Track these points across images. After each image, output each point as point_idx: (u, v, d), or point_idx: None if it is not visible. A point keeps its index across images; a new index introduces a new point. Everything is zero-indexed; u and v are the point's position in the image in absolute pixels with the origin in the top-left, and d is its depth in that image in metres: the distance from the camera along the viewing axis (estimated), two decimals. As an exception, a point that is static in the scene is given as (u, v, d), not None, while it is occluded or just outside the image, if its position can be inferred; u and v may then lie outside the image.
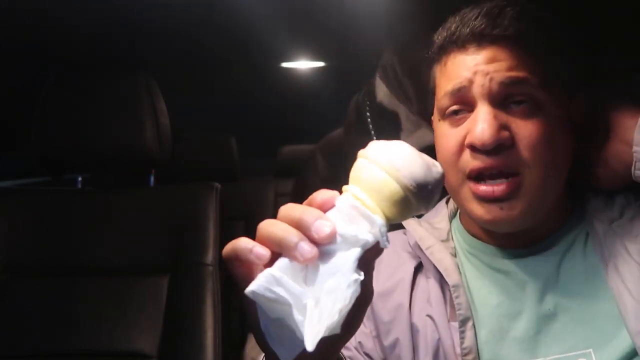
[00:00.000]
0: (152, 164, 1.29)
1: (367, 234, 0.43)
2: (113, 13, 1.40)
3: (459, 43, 0.67)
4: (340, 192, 0.46)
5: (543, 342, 0.66)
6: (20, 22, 1.39)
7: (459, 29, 0.67)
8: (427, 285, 0.72)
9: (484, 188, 0.64)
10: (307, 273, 0.43)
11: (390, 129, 1.20)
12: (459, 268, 0.73)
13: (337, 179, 0.49)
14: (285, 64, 2.13)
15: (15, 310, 1.14)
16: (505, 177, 0.64)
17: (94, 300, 1.15)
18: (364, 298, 0.44)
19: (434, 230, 0.77)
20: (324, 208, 0.44)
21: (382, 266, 0.75)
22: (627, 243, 0.66)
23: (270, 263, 0.43)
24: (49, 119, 1.23)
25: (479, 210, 0.66)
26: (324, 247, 0.42)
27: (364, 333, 0.72)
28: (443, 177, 0.46)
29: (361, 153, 0.46)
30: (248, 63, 2.03)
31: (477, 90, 0.64)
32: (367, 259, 0.44)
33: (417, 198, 0.44)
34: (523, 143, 0.63)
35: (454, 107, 0.66)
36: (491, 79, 0.63)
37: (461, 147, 0.66)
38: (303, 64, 2.14)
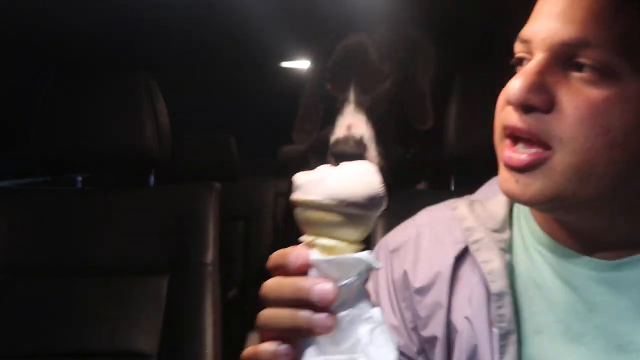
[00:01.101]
0: (152, 164, 1.29)
1: (360, 272, 0.42)
2: (113, 13, 1.40)
3: None
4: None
5: None
6: (20, 22, 1.39)
7: None
8: (471, 280, 0.61)
9: (507, 154, 0.55)
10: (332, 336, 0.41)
11: None
12: (512, 267, 0.61)
13: None
14: (285, 64, 2.13)
15: (15, 310, 1.14)
16: (535, 146, 0.53)
17: (94, 300, 1.15)
18: None
19: (487, 216, 0.65)
20: (304, 271, 0.41)
21: (421, 255, 0.66)
22: None
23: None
24: (49, 119, 1.23)
25: (500, 176, 0.57)
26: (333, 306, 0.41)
27: (395, 327, 0.65)
28: (379, 173, 0.43)
29: (297, 199, 0.42)
30: (248, 63, 2.03)
31: (537, 43, 0.54)
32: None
33: (373, 210, 0.42)
34: (565, 113, 0.51)
35: (520, 55, 0.57)
36: (554, 35, 0.52)
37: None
38: (303, 64, 2.14)
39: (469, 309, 0.60)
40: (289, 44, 1.82)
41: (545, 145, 0.53)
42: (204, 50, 1.84)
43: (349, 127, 1.11)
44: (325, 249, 0.42)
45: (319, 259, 0.41)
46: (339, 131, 1.11)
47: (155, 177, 1.38)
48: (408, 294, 0.65)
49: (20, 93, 1.70)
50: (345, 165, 0.43)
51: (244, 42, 1.73)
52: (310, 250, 0.42)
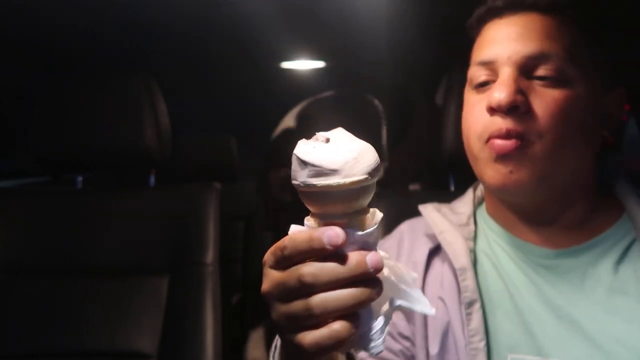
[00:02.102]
0: (152, 164, 1.29)
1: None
2: (113, 13, 1.40)
3: (496, 12, 0.70)
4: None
5: (551, 343, 0.65)
6: (21, 22, 1.39)
7: (496, 0, 0.70)
8: (442, 268, 0.73)
9: (497, 142, 0.65)
10: None
11: None
12: (474, 253, 0.74)
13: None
14: (285, 64, 2.13)
15: (14, 310, 1.14)
16: (516, 139, 0.64)
17: (94, 300, 1.15)
18: None
19: (453, 215, 0.78)
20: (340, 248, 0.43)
21: (402, 250, 0.78)
22: None
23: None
24: (49, 119, 1.23)
25: (490, 172, 0.67)
26: None
27: (395, 314, 0.73)
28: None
29: (331, 184, 0.43)
30: (248, 63, 2.03)
31: (502, 60, 0.66)
32: None
33: (372, 179, 0.44)
34: (539, 112, 0.64)
35: (483, 78, 0.69)
36: (517, 52, 0.65)
37: (484, 113, 0.67)
38: (303, 64, 2.14)
39: (442, 291, 0.71)
40: (289, 44, 1.82)
41: (526, 140, 0.64)
42: (205, 50, 1.85)
43: None
44: (354, 221, 0.44)
45: (360, 233, 0.43)
46: None
47: (155, 177, 1.38)
48: None
49: (20, 93, 1.70)
50: (335, 140, 0.43)
51: (244, 43, 1.73)
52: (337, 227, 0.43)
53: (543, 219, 0.70)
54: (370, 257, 0.42)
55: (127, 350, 1.10)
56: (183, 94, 2.01)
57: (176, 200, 1.25)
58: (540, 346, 0.65)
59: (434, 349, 0.69)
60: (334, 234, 0.42)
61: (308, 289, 0.42)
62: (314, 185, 0.42)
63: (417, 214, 0.83)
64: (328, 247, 0.42)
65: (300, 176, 0.43)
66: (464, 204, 0.81)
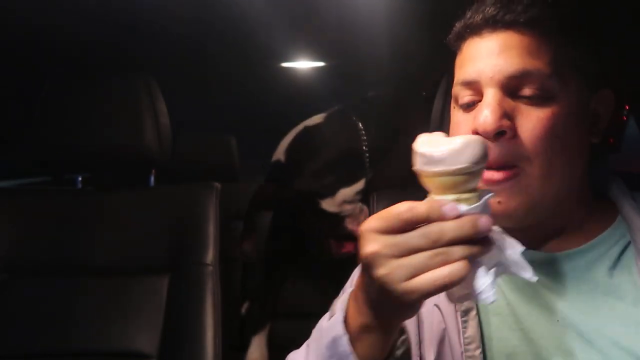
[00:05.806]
0: (152, 164, 1.29)
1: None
2: (113, 13, 1.40)
3: (474, 29, 0.68)
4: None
5: (549, 348, 0.65)
6: (21, 22, 1.39)
7: (474, 16, 0.68)
8: None
9: (485, 173, 0.63)
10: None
11: None
12: None
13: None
14: (285, 64, 2.13)
15: (15, 310, 1.14)
16: (505, 169, 0.64)
17: (94, 300, 1.15)
18: None
19: None
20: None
21: None
22: None
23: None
24: (49, 119, 1.23)
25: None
26: None
27: None
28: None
29: (444, 170, 0.52)
30: (248, 63, 2.03)
31: (485, 80, 0.65)
32: None
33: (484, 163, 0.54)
34: (525, 135, 0.63)
35: (467, 98, 0.67)
36: (500, 71, 0.64)
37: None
38: (303, 64, 2.14)
39: (437, 298, 0.68)
40: (289, 44, 1.82)
41: (514, 167, 0.64)
42: (205, 50, 1.85)
43: None
44: (464, 200, 0.53)
45: (470, 208, 0.52)
46: None
47: (155, 177, 1.38)
48: None
49: (19, 93, 1.70)
50: (445, 138, 0.54)
51: (244, 42, 1.73)
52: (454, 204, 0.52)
53: (537, 230, 0.70)
54: (482, 220, 0.50)
55: (126, 350, 1.10)
56: (183, 94, 2.01)
57: (176, 200, 1.25)
58: (538, 352, 0.65)
59: (430, 356, 0.69)
60: (450, 207, 0.50)
61: (432, 244, 0.49)
62: (425, 172, 0.53)
63: None
64: (447, 215, 0.49)
65: (416, 164, 0.53)
66: None
